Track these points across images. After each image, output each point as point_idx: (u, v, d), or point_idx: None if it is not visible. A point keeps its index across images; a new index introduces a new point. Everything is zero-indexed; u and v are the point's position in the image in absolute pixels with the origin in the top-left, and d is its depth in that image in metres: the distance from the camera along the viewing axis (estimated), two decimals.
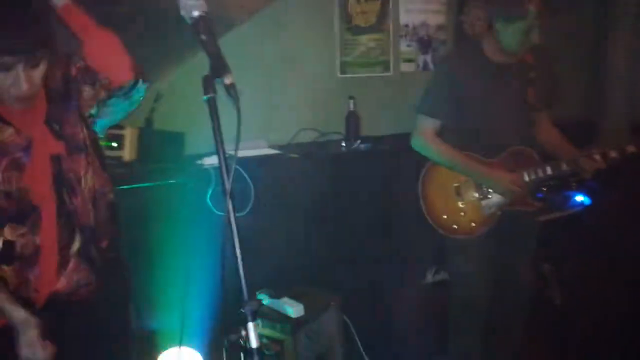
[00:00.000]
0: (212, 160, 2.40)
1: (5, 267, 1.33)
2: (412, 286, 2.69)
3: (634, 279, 2.86)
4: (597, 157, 2.06)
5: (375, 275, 2.74)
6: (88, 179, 1.44)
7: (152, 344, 2.29)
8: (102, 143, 2.21)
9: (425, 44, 3.25)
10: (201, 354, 2.39)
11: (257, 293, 2.47)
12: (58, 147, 1.38)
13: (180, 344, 2.26)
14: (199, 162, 2.42)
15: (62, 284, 1.41)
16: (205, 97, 1.10)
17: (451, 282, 2.36)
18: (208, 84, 1.10)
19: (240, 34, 2.71)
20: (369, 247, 2.77)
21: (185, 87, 2.55)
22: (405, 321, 2.65)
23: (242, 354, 1.07)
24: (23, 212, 1.33)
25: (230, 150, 2.42)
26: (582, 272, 3.07)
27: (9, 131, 1.31)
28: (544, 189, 3.17)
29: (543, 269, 3.04)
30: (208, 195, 2.35)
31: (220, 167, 1.09)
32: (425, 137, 2.15)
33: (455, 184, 2.17)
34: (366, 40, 3.07)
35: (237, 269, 1.08)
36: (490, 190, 2.13)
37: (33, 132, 1.35)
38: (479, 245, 2.18)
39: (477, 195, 2.15)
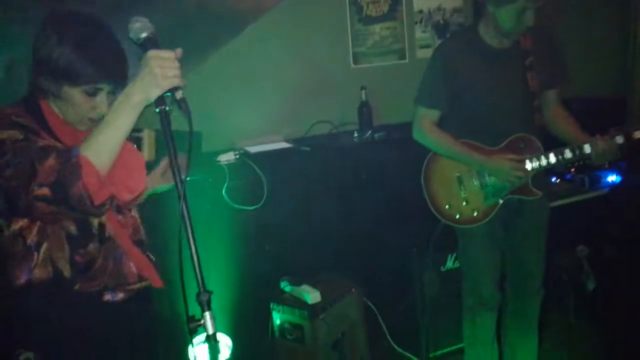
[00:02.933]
0: (227, 157, 2.63)
1: (93, 245, 1.49)
2: (433, 272, 2.79)
3: None
4: (603, 143, 2.05)
5: (395, 263, 2.87)
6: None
7: (181, 331, 2.55)
8: None
9: (441, 29, 3.33)
10: (229, 338, 2.64)
11: (280, 281, 2.69)
12: None
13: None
14: (215, 159, 2.65)
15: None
16: (157, 110, 1.26)
17: (461, 267, 2.46)
18: (159, 98, 1.27)
19: (253, 30, 2.90)
20: (389, 235, 2.90)
21: (200, 89, 2.80)
22: (428, 306, 2.78)
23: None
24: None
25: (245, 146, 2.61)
26: (619, 257, 3.05)
27: (59, 147, 1.45)
28: (573, 170, 3.19)
29: (577, 253, 3.05)
30: (223, 189, 2.57)
31: (173, 172, 1.27)
32: (424, 128, 2.20)
33: (457, 174, 2.24)
34: (379, 30, 3.20)
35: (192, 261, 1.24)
36: (492, 178, 2.18)
37: None
38: (485, 232, 2.25)
39: (478, 184, 2.21)
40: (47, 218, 1.40)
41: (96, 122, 1.45)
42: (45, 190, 1.27)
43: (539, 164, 2.14)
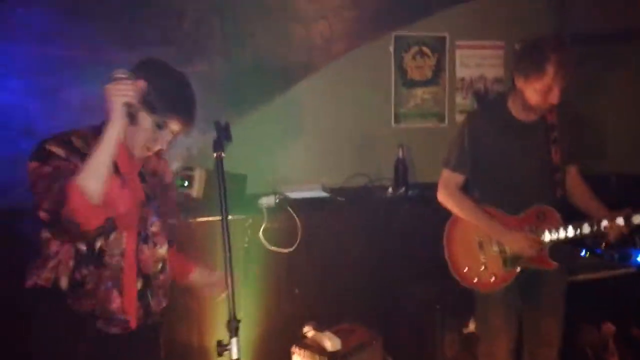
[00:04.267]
0: (267, 200, 2.83)
1: (88, 268, 1.60)
2: (453, 333, 2.87)
3: None
4: (620, 221, 2.14)
5: (418, 320, 2.96)
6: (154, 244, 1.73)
7: None
8: (176, 181, 2.75)
9: (481, 96, 3.52)
10: None
11: (304, 326, 2.82)
12: (141, 196, 1.71)
13: None
14: (256, 201, 2.85)
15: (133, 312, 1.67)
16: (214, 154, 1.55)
17: (477, 331, 2.53)
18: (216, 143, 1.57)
19: (304, 84, 3.15)
20: (415, 291, 3.01)
21: (250, 135, 3.04)
22: None
23: None
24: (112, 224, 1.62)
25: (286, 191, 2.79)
26: None
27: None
28: (603, 245, 3.24)
29: (602, 329, 3.07)
30: (260, 231, 2.76)
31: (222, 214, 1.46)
32: (449, 191, 2.33)
33: (478, 238, 2.32)
34: (421, 93, 3.41)
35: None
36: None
37: (130, 176, 1.68)
38: (502, 299, 2.31)
39: (497, 250, 2.29)
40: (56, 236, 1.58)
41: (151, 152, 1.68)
42: (45, 215, 1.47)
43: (557, 236, 2.22)
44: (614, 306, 3.02)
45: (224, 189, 1.52)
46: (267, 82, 3.09)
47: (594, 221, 2.20)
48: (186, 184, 2.65)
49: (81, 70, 2.68)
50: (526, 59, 2.14)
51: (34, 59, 2.66)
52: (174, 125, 1.65)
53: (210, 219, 2.66)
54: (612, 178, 3.50)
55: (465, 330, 2.85)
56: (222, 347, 1.42)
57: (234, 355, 1.41)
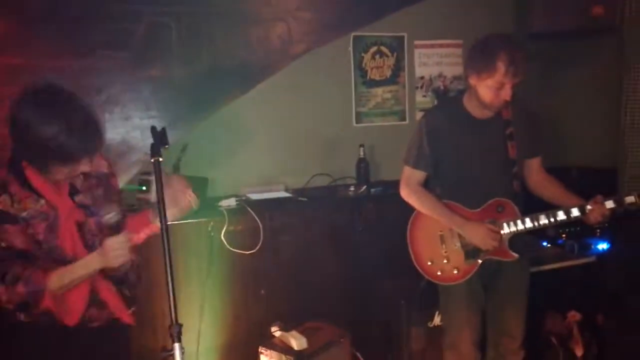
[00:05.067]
0: (228, 202, 2.85)
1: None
2: (420, 327, 2.91)
3: None
4: (575, 212, 2.21)
5: (385, 315, 3.00)
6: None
7: None
8: (133, 187, 2.74)
9: (442, 94, 3.59)
10: None
11: (271, 326, 2.83)
12: (80, 216, 1.76)
13: None
14: (216, 204, 2.87)
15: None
16: (151, 160, 1.59)
17: (441, 323, 2.59)
18: (153, 147, 1.61)
19: (263, 85, 3.18)
20: (380, 287, 3.05)
21: (210, 137, 3.06)
22: None
23: None
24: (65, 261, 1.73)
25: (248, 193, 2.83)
26: (608, 324, 3.13)
27: (42, 202, 1.69)
28: (564, 235, 3.33)
29: (567, 318, 3.14)
30: (222, 233, 2.77)
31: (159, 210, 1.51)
32: (410, 188, 2.39)
33: (440, 232, 2.38)
34: (381, 92, 3.47)
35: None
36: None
37: (58, 204, 1.73)
38: (465, 291, 2.37)
39: (459, 243, 2.35)
40: None
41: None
42: (9, 305, 1.65)
43: (516, 228, 2.29)
44: (579, 295, 3.11)
45: (163, 193, 1.57)
46: (226, 85, 3.10)
47: (549, 212, 2.27)
48: (144, 188, 2.64)
49: (33, 79, 2.66)
50: (477, 57, 2.19)
51: None
52: (85, 165, 1.67)
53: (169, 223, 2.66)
54: (574, 171, 3.60)
55: (431, 324, 2.89)
56: (166, 352, 1.44)
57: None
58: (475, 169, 2.32)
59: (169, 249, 1.50)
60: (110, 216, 1.75)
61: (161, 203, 1.55)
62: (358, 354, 2.99)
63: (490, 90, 2.17)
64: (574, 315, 3.13)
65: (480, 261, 2.34)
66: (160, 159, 1.58)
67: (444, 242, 2.38)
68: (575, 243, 3.23)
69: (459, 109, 2.33)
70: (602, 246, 3.26)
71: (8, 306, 1.65)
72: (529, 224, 2.29)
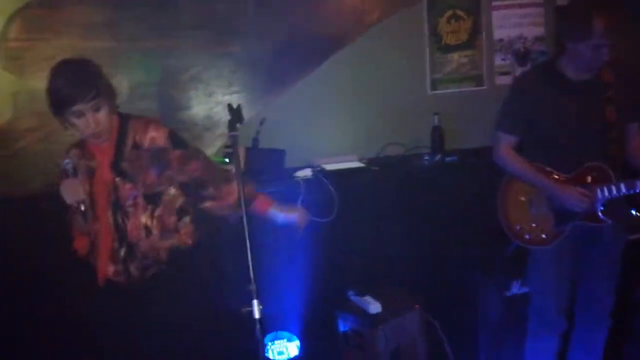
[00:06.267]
0: (304, 173, 2.98)
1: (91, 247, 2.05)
2: (496, 295, 2.92)
3: None
4: None
5: (460, 283, 3.04)
6: (144, 216, 1.99)
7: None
8: (216, 159, 2.94)
9: (522, 57, 3.45)
10: (298, 339, 2.96)
11: (347, 291, 2.96)
12: (113, 179, 1.97)
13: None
14: (293, 174, 3.00)
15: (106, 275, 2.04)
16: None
17: (528, 290, 2.58)
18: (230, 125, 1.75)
19: (337, 55, 3.24)
20: (454, 256, 3.08)
21: (284, 112, 3.18)
22: (490, 328, 2.91)
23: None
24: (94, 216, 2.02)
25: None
26: None
27: (94, 162, 1.99)
28: None
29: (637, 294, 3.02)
30: (299, 202, 2.91)
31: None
32: (503, 152, 2.40)
33: (529, 197, 2.39)
34: (457, 57, 3.40)
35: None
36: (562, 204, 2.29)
37: (101, 163, 1.99)
38: (553, 258, 2.37)
39: (548, 208, 2.35)
40: None
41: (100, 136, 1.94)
42: None
43: (609, 193, 2.24)
44: None
45: (240, 167, 1.74)
46: (301, 58, 3.19)
47: None
48: (227, 160, 2.83)
49: (119, 60, 2.88)
50: (572, 18, 2.16)
51: (75, 51, 2.89)
52: (86, 109, 1.85)
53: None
54: None
55: (508, 293, 2.89)
56: (245, 308, 1.61)
57: (256, 315, 1.59)
58: (570, 132, 2.27)
59: (246, 212, 1.66)
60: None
61: (239, 173, 1.68)
62: (432, 320, 3.06)
63: (587, 52, 2.12)
64: None
65: (570, 226, 2.32)
66: (237, 134, 1.72)
67: (532, 206, 2.40)
68: None
69: (555, 72, 2.28)
70: None
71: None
72: (623, 190, 2.22)
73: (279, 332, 2.96)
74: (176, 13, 2.90)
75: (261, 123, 3.01)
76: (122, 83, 2.86)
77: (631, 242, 2.68)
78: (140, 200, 1.98)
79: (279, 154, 3.03)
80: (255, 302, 1.59)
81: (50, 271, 2.72)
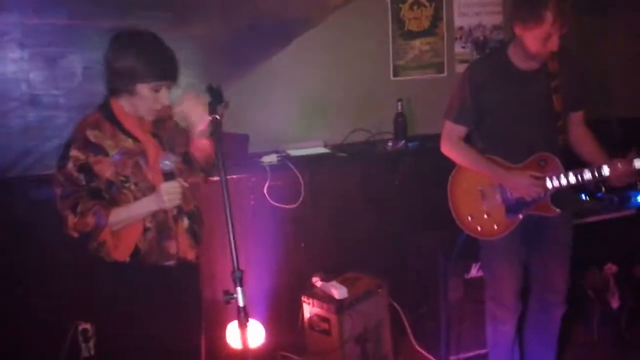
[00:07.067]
0: (269, 159, 2.95)
1: (147, 234, 1.92)
2: (457, 278, 3.01)
3: None
4: (620, 165, 2.18)
5: (422, 267, 3.11)
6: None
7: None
8: None
9: (481, 45, 3.54)
10: (262, 325, 2.95)
11: (312, 276, 2.98)
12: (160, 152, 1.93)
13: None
14: (258, 159, 2.97)
15: (173, 249, 1.96)
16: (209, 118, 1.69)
17: (484, 278, 2.62)
18: (211, 107, 1.71)
19: (300, 41, 3.20)
20: (417, 240, 3.15)
21: (249, 95, 3.12)
22: (450, 311, 3.00)
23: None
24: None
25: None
26: None
27: (129, 141, 1.89)
28: (603, 189, 3.33)
29: (604, 270, 3.19)
30: (265, 188, 2.89)
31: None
32: (451, 142, 2.39)
33: (480, 187, 2.39)
34: (419, 44, 3.44)
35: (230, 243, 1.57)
36: (513, 193, 2.32)
37: (145, 140, 1.92)
38: (505, 246, 2.40)
39: (500, 198, 2.36)
40: None
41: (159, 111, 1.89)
42: (75, 234, 1.84)
43: (559, 183, 2.27)
44: (617, 248, 3.14)
45: (223, 150, 1.63)
46: (265, 41, 3.14)
47: (594, 167, 2.25)
48: None
49: (80, 38, 2.76)
50: (524, 6, 2.15)
51: (33, 28, 2.74)
52: (166, 87, 1.86)
53: (215, 179, 2.78)
54: (614, 121, 3.55)
55: (467, 276, 2.98)
56: (228, 296, 1.56)
57: (240, 302, 1.55)
58: (518, 122, 2.30)
59: (228, 199, 1.59)
60: (167, 163, 1.85)
61: (220, 158, 1.64)
62: (395, 304, 3.13)
63: (536, 40, 2.13)
64: (611, 268, 3.18)
65: (521, 216, 2.36)
66: (217, 117, 1.68)
67: (484, 197, 2.40)
68: (616, 196, 3.24)
69: (504, 61, 2.30)
70: None
71: (73, 234, 1.84)
72: (572, 179, 2.26)
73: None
74: None
75: (224, 107, 2.94)
76: (76, 62, 2.75)
77: (579, 226, 2.82)
78: (181, 165, 1.96)
79: (242, 138, 2.99)
80: (239, 289, 1.55)
81: None
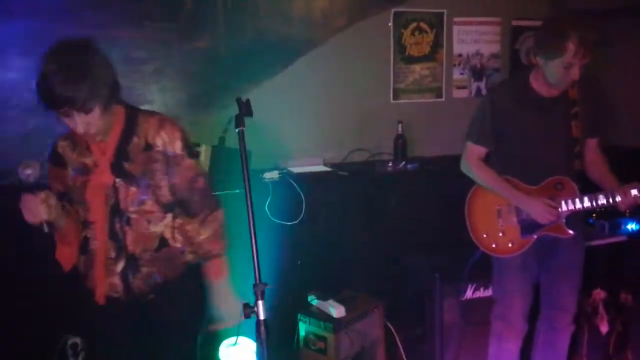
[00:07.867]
0: (271, 175, 2.96)
1: (81, 256, 1.87)
2: (452, 299, 3.04)
3: None
4: (634, 193, 2.26)
5: (418, 288, 3.13)
6: (144, 224, 1.81)
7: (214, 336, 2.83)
8: None
9: (478, 72, 3.64)
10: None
11: (308, 294, 2.96)
12: (114, 180, 1.78)
13: (238, 334, 2.81)
14: (261, 176, 2.98)
15: (104, 291, 1.83)
16: (236, 130, 1.69)
17: (494, 298, 2.65)
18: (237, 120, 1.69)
19: (303, 61, 3.26)
20: (411, 260, 3.17)
21: (254, 113, 3.14)
22: (445, 332, 3.02)
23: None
24: (87, 222, 1.83)
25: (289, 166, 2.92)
26: (634, 303, 3.24)
27: (90, 158, 1.79)
28: (594, 215, 3.42)
29: (592, 295, 3.25)
30: (266, 205, 2.89)
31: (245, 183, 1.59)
32: (471, 162, 2.47)
33: (497, 207, 2.47)
34: (419, 69, 3.52)
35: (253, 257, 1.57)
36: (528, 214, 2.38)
37: (99, 163, 1.79)
38: (518, 264, 2.46)
39: (515, 218, 2.43)
40: None
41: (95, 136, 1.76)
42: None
43: (574, 206, 2.35)
44: (607, 274, 3.20)
45: (246, 162, 1.66)
46: (269, 58, 3.18)
47: (609, 193, 2.32)
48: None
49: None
50: (547, 36, 2.22)
51: (39, 36, 2.72)
52: (73, 111, 1.65)
53: (217, 193, 2.78)
54: (627, 150, 3.63)
55: (463, 297, 3.01)
56: (249, 309, 1.55)
57: (261, 316, 1.55)
58: (537, 147, 2.37)
59: (252, 211, 1.60)
60: (27, 173, 1.73)
61: (246, 170, 1.66)
62: (389, 324, 3.13)
63: (558, 69, 2.21)
64: (599, 293, 3.25)
65: (535, 236, 2.42)
66: (244, 129, 1.67)
67: (500, 216, 2.47)
68: (606, 222, 3.32)
69: (526, 87, 2.37)
70: (632, 226, 3.35)
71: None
72: (587, 203, 2.33)
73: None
74: (147, 4, 2.80)
75: (229, 122, 2.96)
76: None
77: (589, 248, 2.88)
78: (155, 208, 1.83)
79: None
80: (260, 302, 1.55)
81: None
